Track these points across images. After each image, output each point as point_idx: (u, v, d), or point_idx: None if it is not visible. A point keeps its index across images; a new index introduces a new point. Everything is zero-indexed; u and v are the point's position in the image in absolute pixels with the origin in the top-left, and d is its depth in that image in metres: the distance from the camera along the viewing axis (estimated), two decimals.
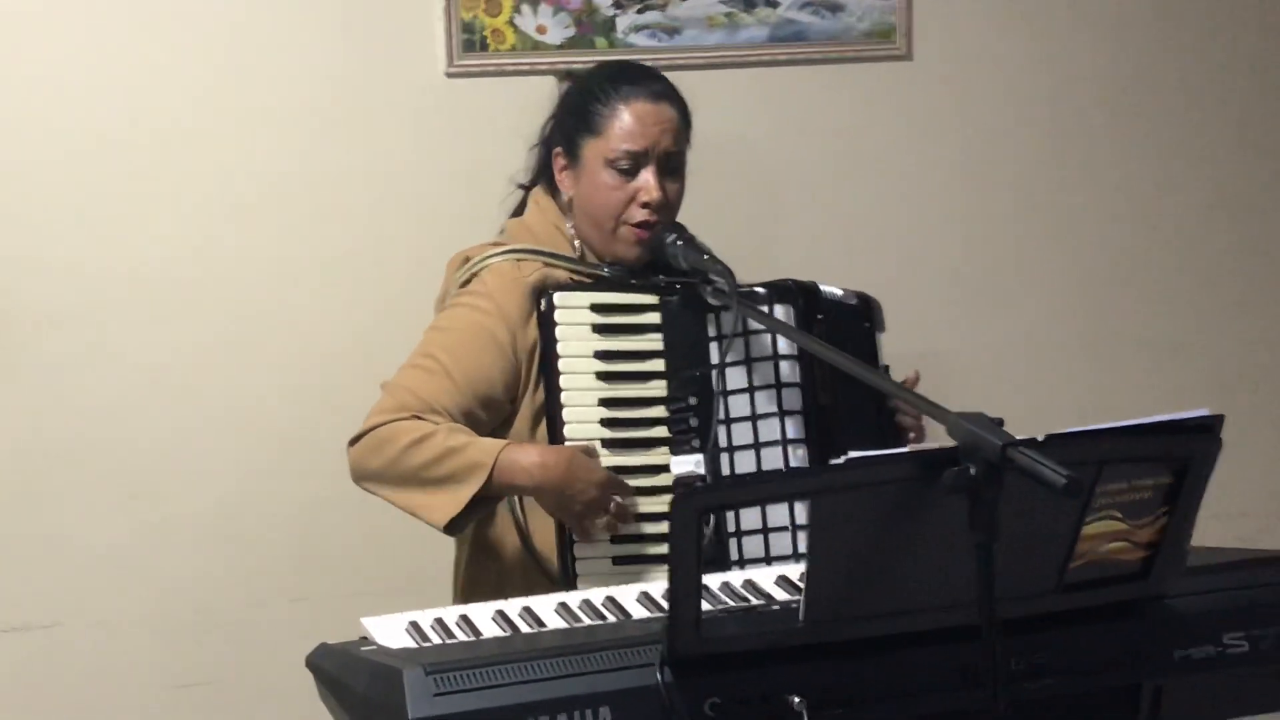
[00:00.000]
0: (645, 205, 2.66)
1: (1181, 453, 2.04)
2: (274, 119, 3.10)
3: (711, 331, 2.61)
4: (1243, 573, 2.24)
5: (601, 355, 2.61)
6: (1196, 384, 3.41)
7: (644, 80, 2.71)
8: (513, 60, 3.14)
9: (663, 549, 2.25)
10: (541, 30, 3.15)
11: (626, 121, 2.67)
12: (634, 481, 2.60)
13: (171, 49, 3.04)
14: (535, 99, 3.07)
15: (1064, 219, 3.37)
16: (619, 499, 2.57)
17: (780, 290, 2.64)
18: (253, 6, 3.07)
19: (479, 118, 3.15)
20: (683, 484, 2.57)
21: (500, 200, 2.87)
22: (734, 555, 2.58)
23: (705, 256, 2.60)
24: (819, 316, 2.64)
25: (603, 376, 2.61)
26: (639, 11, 3.17)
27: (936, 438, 1.98)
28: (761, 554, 2.57)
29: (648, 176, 2.67)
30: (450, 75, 3.12)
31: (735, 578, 2.25)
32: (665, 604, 1.97)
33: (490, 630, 2.12)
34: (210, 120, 3.08)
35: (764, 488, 2.24)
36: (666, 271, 2.67)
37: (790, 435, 2.61)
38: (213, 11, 3.06)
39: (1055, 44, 3.34)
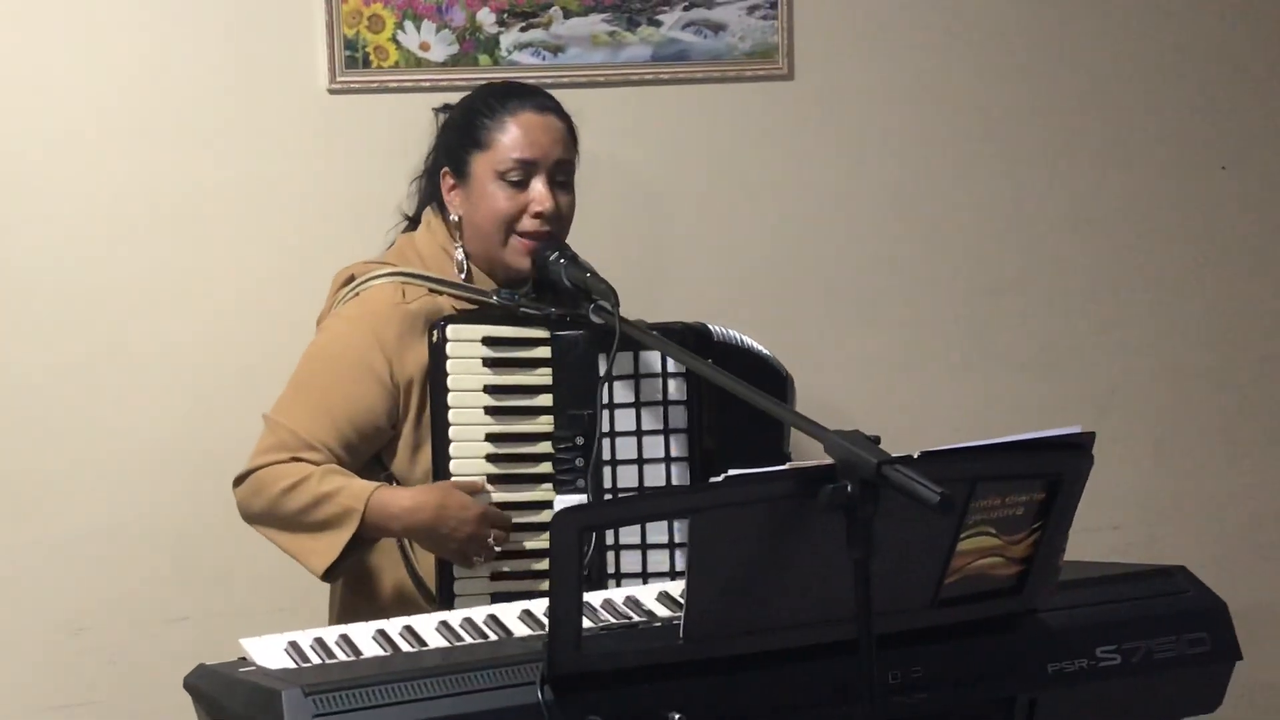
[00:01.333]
0: (538, 215, 2.66)
1: (1054, 469, 2.08)
2: (154, 131, 3.06)
3: (602, 370, 2.60)
4: (1114, 587, 2.29)
5: (491, 390, 2.61)
6: (1068, 401, 3.46)
7: (529, 95, 2.73)
8: (395, 77, 3.13)
9: (544, 584, 2.27)
10: (425, 47, 3.14)
11: (515, 133, 2.67)
12: (518, 518, 2.60)
13: (50, 59, 3.00)
14: (417, 116, 3.08)
15: (940, 237, 3.41)
16: (499, 532, 2.57)
17: (668, 332, 2.63)
18: (136, 18, 3.03)
19: (361, 134, 3.13)
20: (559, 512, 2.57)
21: (385, 226, 2.87)
22: (611, 570, 2.59)
23: (588, 275, 2.60)
24: (708, 360, 2.64)
25: (491, 411, 2.61)
26: (522, 30, 3.18)
27: (815, 456, 1.99)
28: (639, 569, 2.59)
29: (539, 186, 2.67)
30: (332, 91, 3.11)
31: (617, 595, 2.26)
32: (546, 621, 1.97)
33: (371, 650, 2.11)
34: (90, 132, 3.04)
35: (645, 506, 2.26)
36: (552, 291, 2.67)
37: (675, 481, 2.62)
38: (94, 22, 3.02)
39: (934, 65, 3.38)
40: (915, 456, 1.92)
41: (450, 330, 2.60)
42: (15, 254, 3.02)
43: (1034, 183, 3.45)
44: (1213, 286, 3.55)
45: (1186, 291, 3.54)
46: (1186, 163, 3.52)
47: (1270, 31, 3.52)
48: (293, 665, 2.06)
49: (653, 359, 2.62)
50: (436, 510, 2.54)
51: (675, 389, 2.62)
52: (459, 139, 2.72)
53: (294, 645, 2.11)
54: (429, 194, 2.80)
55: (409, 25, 3.13)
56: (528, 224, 2.67)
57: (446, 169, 2.73)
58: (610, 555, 2.59)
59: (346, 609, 2.72)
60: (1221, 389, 3.58)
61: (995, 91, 3.41)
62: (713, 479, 1.93)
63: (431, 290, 2.69)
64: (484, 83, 2.85)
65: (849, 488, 1.86)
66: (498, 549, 2.57)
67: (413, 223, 2.84)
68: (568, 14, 3.19)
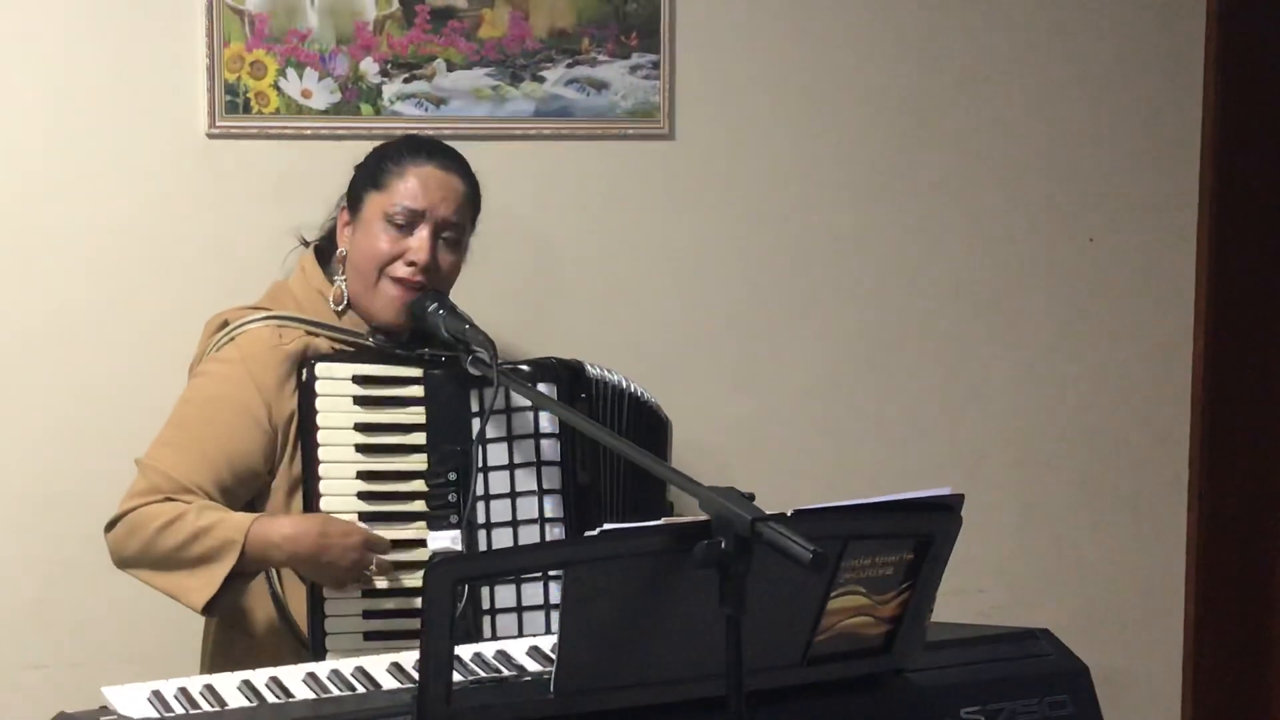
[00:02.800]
0: (411, 264, 2.67)
1: (923, 530, 2.10)
2: (32, 169, 3.02)
3: (474, 406, 2.61)
4: (980, 648, 2.31)
5: (361, 427, 2.60)
6: (937, 465, 3.51)
7: (439, 153, 2.76)
8: (276, 123, 3.12)
9: (416, 623, 2.25)
10: (306, 94, 3.13)
11: (411, 182, 2.70)
12: (390, 557, 2.58)
13: None
14: (297, 162, 3.08)
15: (812, 300, 3.45)
16: (380, 558, 2.56)
17: (543, 368, 2.66)
18: (15, 54, 3.00)
19: (239, 179, 3.11)
20: (432, 562, 2.55)
21: (262, 271, 2.86)
22: (487, 634, 2.57)
23: (467, 326, 2.61)
24: (582, 395, 2.66)
25: (362, 449, 2.60)
26: (405, 81, 3.18)
27: (690, 512, 2.00)
28: (515, 632, 2.57)
29: (422, 235, 2.68)
30: (211, 136, 3.09)
31: (487, 648, 2.25)
32: (416, 674, 1.96)
33: (236, 700, 2.08)
34: None
35: (518, 558, 2.25)
36: (429, 342, 2.67)
37: (549, 514, 2.62)
38: None
39: (813, 125, 3.42)
40: (789, 514, 1.93)
41: (320, 368, 2.60)
42: None
43: (905, 249, 3.50)
44: (1077, 356, 3.62)
45: (1052, 359, 3.61)
46: (1055, 234, 3.59)
47: (1137, 105, 3.61)
48: (156, 715, 2.03)
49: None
50: (319, 538, 2.53)
51: (547, 422, 2.63)
52: (363, 178, 2.75)
53: (157, 695, 2.08)
54: (326, 232, 2.81)
55: (291, 72, 3.12)
56: (400, 270, 2.68)
57: (345, 205, 2.75)
58: (486, 620, 2.58)
59: (219, 651, 2.69)
60: (1085, 456, 3.64)
61: (869, 160, 3.46)
62: (587, 533, 1.93)
63: (308, 332, 2.68)
64: (409, 133, 2.88)
65: (723, 544, 1.88)
66: (378, 576, 2.55)
67: (306, 246, 2.84)
68: (451, 67, 3.20)
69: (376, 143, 2.84)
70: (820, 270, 3.45)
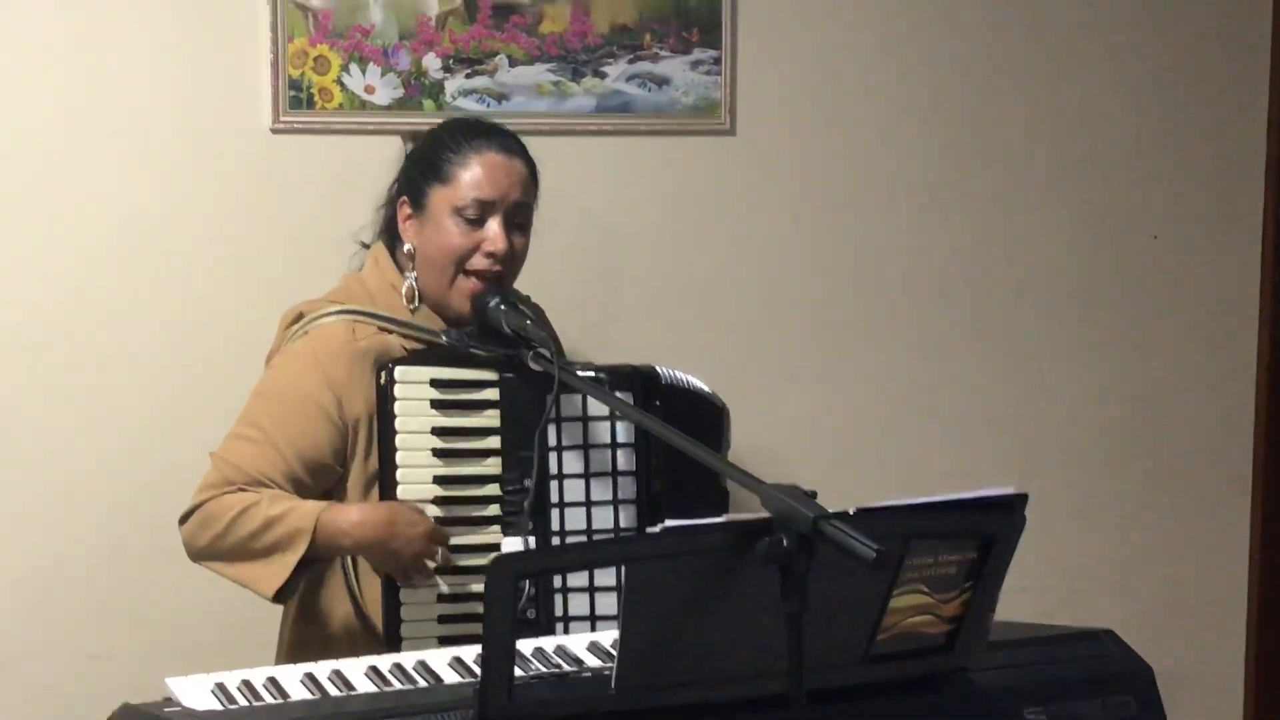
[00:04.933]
0: (490, 254, 2.66)
1: (986, 529, 2.09)
2: (98, 165, 3.05)
3: (550, 413, 2.58)
4: (1043, 648, 2.30)
5: (439, 431, 2.60)
6: (994, 461, 3.49)
7: (496, 134, 2.72)
8: (339, 119, 3.13)
9: None
10: (369, 90, 3.14)
11: (477, 171, 2.67)
12: (464, 561, 2.59)
13: None
14: (360, 157, 3.09)
15: (875, 294, 3.44)
16: (443, 550, 2.56)
17: (618, 375, 2.63)
18: (81, 51, 3.03)
19: (303, 174, 3.13)
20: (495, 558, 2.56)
21: (326, 265, 2.86)
22: (559, 613, 2.58)
23: (528, 322, 2.60)
24: (656, 403, 2.64)
25: (439, 453, 2.60)
26: (467, 76, 3.19)
27: (752, 508, 2.00)
28: (586, 612, 2.58)
29: (494, 226, 2.66)
30: (275, 131, 3.10)
31: (548, 643, 2.25)
32: (477, 669, 1.96)
33: (298, 693, 2.09)
34: (33, 165, 3.02)
35: (580, 555, 2.25)
36: (493, 334, 2.66)
37: (623, 524, 2.61)
38: (40, 54, 3.01)
39: (875, 124, 3.41)
40: (851, 512, 1.92)
41: (398, 372, 2.59)
42: None
43: (971, 243, 3.48)
44: (1140, 353, 3.60)
45: (1114, 357, 3.58)
46: (1117, 232, 3.57)
47: (1201, 102, 3.58)
48: (219, 707, 2.04)
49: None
50: (386, 525, 2.53)
51: (623, 432, 2.62)
52: (421, 170, 2.71)
53: (220, 687, 2.09)
54: (387, 221, 2.79)
55: (354, 68, 3.13)
56: (479, 262, 2.67)
57: (405, 198, 2.72)
58: (558, 598, 2.59)
59: (296, 646, 2.70)
60: (1148, 454, 3.62)
61: (933, 152, 3.45)
62: (649, 529, 1.93)
63: (381, 329, 2.68)
64: (453, 117, 2.86)
65: (785, 542, 1.87)
66: (433, 566, 2.56)
67: (367, 248, 2.84)
68: (513, 62, 3.21)
69: None
70: (881, 267, 3.44)
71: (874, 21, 3.40)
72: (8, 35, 3.00)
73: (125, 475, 3.07)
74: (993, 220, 3.49)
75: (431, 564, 2.56)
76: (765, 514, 1.91)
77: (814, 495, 1.93)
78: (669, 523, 1.92)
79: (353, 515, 2.55)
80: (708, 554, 1.93)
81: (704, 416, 2.72)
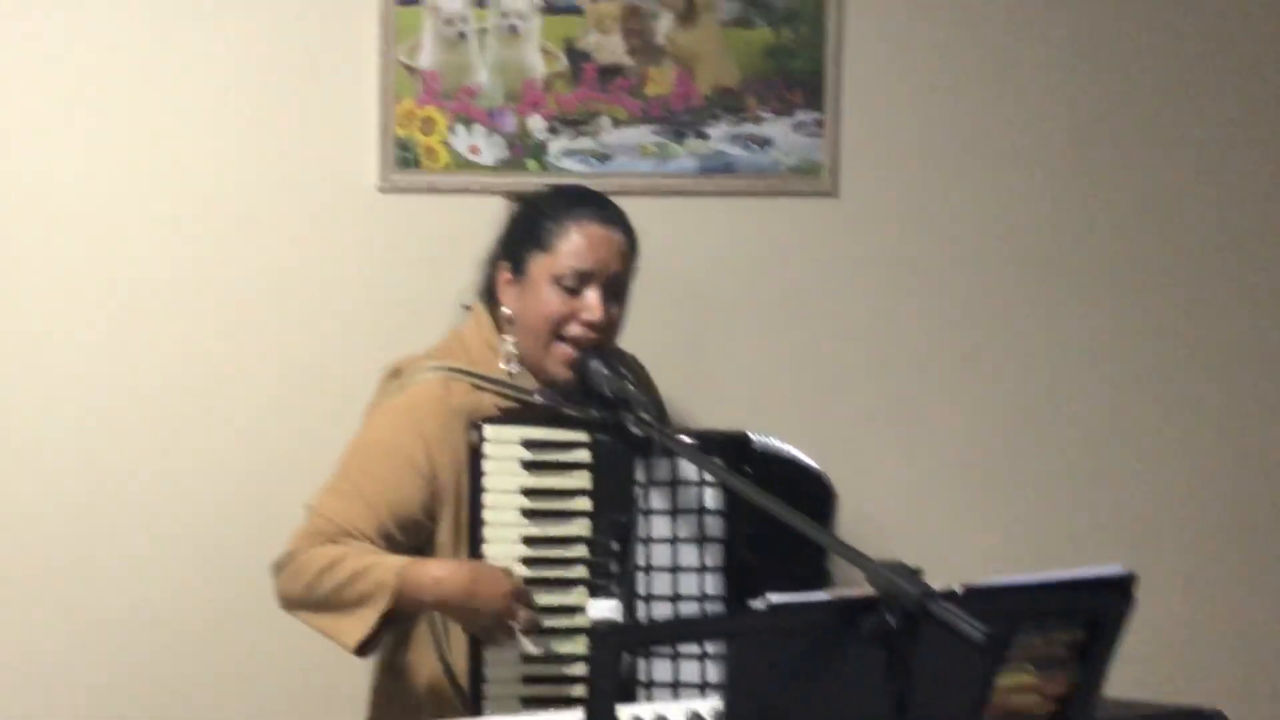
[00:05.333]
0: (586, 324, 2.68)
1: (1095, 609, 2.06)
2: (205, 220, 3.09)
3: (640, 476, 2.60)
4: None
5: (528, 492, 2.60)
6: (1105, 532, 3.44)
7: (597, 203, 2.75)
8: (445, 179, 3.16)
9: (574, 689, 2.25)
10: (474, 150, 3.17)
11: (576, 241, 2.69)
12: (549, 622, 2.58)
13: (108, 148, 3.04)
14: (465, 217, 3.11)
15: (980, 362, 3.41)
16: (526, 612, 2.56)
17: (706, 440, 2.63)
18: (190, 109, 3.07)
19: (408, 233, 3.15)
20: (598, 628, 2.56)
21: (429, 323, 2.88)
22: (642, 677, 2.57)
23: (630, 386, 2.61)
24: (746, 469, 2.63)
25: (527, 513, 2.60)
26: (571, 137, 3.21)
27: (855, 583, 1.98)
28: (670, 679, 2.57)
29: (592, 296, 2.69)
30: (382, 190, 3.13)
31: (646, 712, 2.24)
32: None
33: None
34: (140, 219, 3.07)
35: (684, 629, 2.24)
36: (593, 397, 2.67)
37: (709, 591, 2.60)
38: (146, 111, 3.05)
39: (980, 183, 3.39)
40: (958, 591, 1.90)
41: (489, 430, 2.61)
42: (61, 347, 3.03)
43: (1074, 312, 3.44)
44: (1251, 424, 3.53)
45: (1224, 429, 3.52)
46: (1232, 298, 3.51)
47: None
48: None
49: (690, 466, 2.62)
50: (468, 583, 2.54)
51: (712, 498, 2.61)
52: (521, 236, 2.75)
53: None
54: (487, 282, 2.81)
55: (460, 129, 3.16)
56: (575, 330, 2.69)
57: (504, 262, 2.75)
58: (641, 662, 2.58)
59: (382, 698, 2.73)
60: (1260, 527, 3.55)
61: (1041, 217, 3.42)
62: (752, 603, 1.92)
63: (475, 386, 2.69)
64: (555, 183, 2.91)
65: (891, 620, 1.85)
66: (523, 628, 2.56)
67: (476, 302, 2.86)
68: (616, 123, 3.22)
69: None
70: (985, 332, 3.41)
71: (979, 83, 3.38)
72: (119, 94, 3.05)
73: (228, 528, 3.10)
74: (1100, 285, 3.45)
75: (515, 625, 2.56)
76: (871, 591, 1.90)
77: (919, 572, 1.92)
78: (773, 598, 1.91)
79: (435, 571, 2.56)
80: (812, 631, 1.91)
81: (809, 495, 2.71)
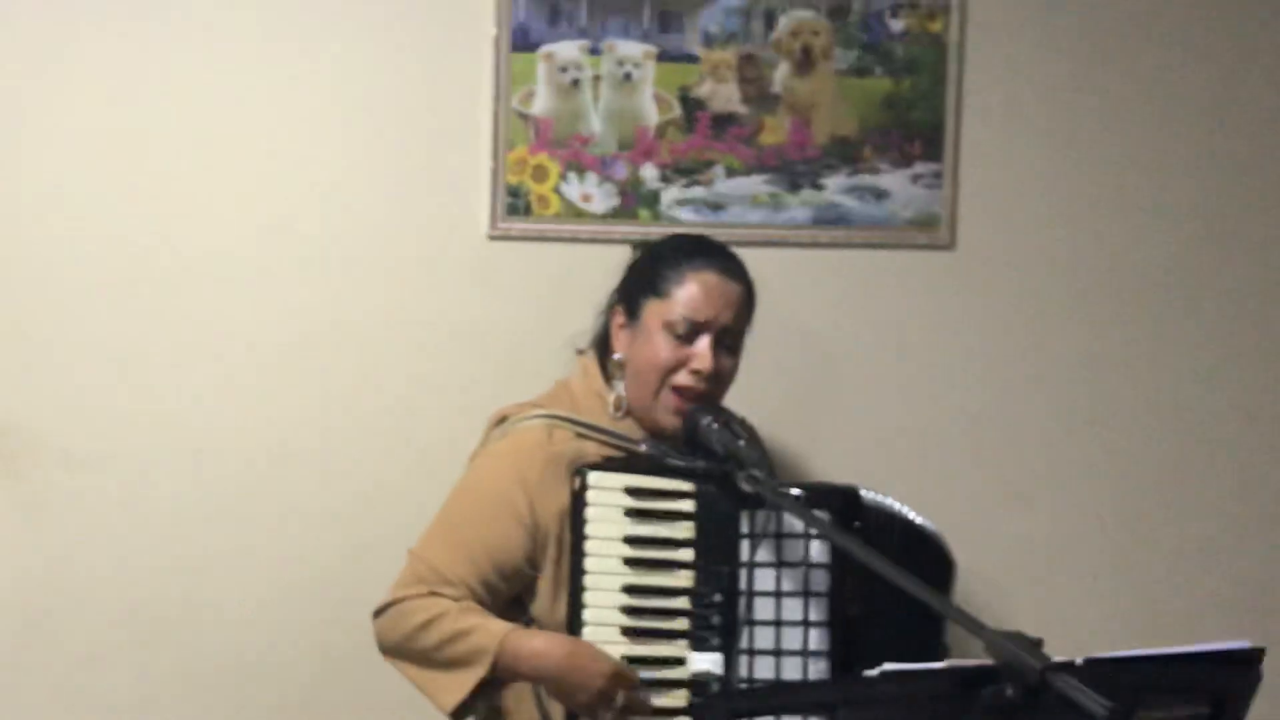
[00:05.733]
0: (696, 372, 2.66)
1: (1221, 684, 2.00)
2: (315, 269, 3.10)
3: (745, 527, 2.57)
4: None
5: (630, 540, 2.58)
6: (1232, 596, 3.35)
7: (715, 254, 2.73)
8: (555, 226, 3.14)
9: None
10: (586, 199, 3.15)
11: (692, 290, 2.68)
12: (649, 674, 2.55)
13: (228, 202, 3.07)
14: (575, 265, 3.10)
15: (1100, 415, 3.34)
16: (627, 691, 2.52)
17: (816, 493, 2.59)
18: (301, 155, 3.09)
19: (519, 280, 3.15)
20: (699, 682, 2.52)
21: (538, 370, 2.87)
22: None
23: (741, 442, 2.57)
24: (856, 524, 2.60)
25: (629, 562, 2.58)
26: (684, 186, 3.18)
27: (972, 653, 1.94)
28: None
29: (703, 345, 2.67)
30: (492, 237, 3.13)
31: None
32: None
33: None
34: (250, 266, 3.08)
35: (796, 695, 2.21)
36: (701, 451, 2.64)
37: (814, 646, 2.55)
38: (271, 161, 3.08)
39: (1100, 237, 3.33)
40: (1080, 663, 1.86)
41: (592, 478, 2.59)
42: (172, 388, 3.06)
43: (1200, 364, 3.36)
44: None
45: None
46: None
47: None
48: None
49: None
50: (565, 659, 2.52)
51: (818, 551, 2.57)
52: (638, 281, 2.74)
53: None
54: (602, 330, 2.81)
55: (572, 176, 3.14)
56: (684, 378, 2.67)
57: (620, 306, 2.74)
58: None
59: None
60: None
61: (1162, 271, 3.35)
62: (866, 672, 1.88)
63: (580, 435, 2.68)
64: (677, 231, 2.90)
65: (1011, 693, 1.81)
66: (626, 712, 2.52)
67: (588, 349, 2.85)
68: (730, 173, 3.19)
69: None
70: (1106, 385, 3.34)
71: (1098, 136, 3.32)
72: (240, 143, 3.07)
73: (337, 573, 3.09)
74: (1230, 335, 3.36)
75: (616, 707, 2.52)
76: (989, 661, 1.85)
77: (1040, 643, 1.87)
78: (887, 666, 1.87)
79: (535, 644, 2.55)
80: (928, 701, 1.87)
81: (926, 559, 2.66)
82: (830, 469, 2.99)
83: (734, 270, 2.72)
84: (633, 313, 2.72)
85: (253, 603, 3.09)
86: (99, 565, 3.05)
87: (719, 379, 2.68)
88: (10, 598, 3.03)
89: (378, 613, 2.63)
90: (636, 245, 2.85)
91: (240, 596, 3.09)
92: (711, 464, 2.60)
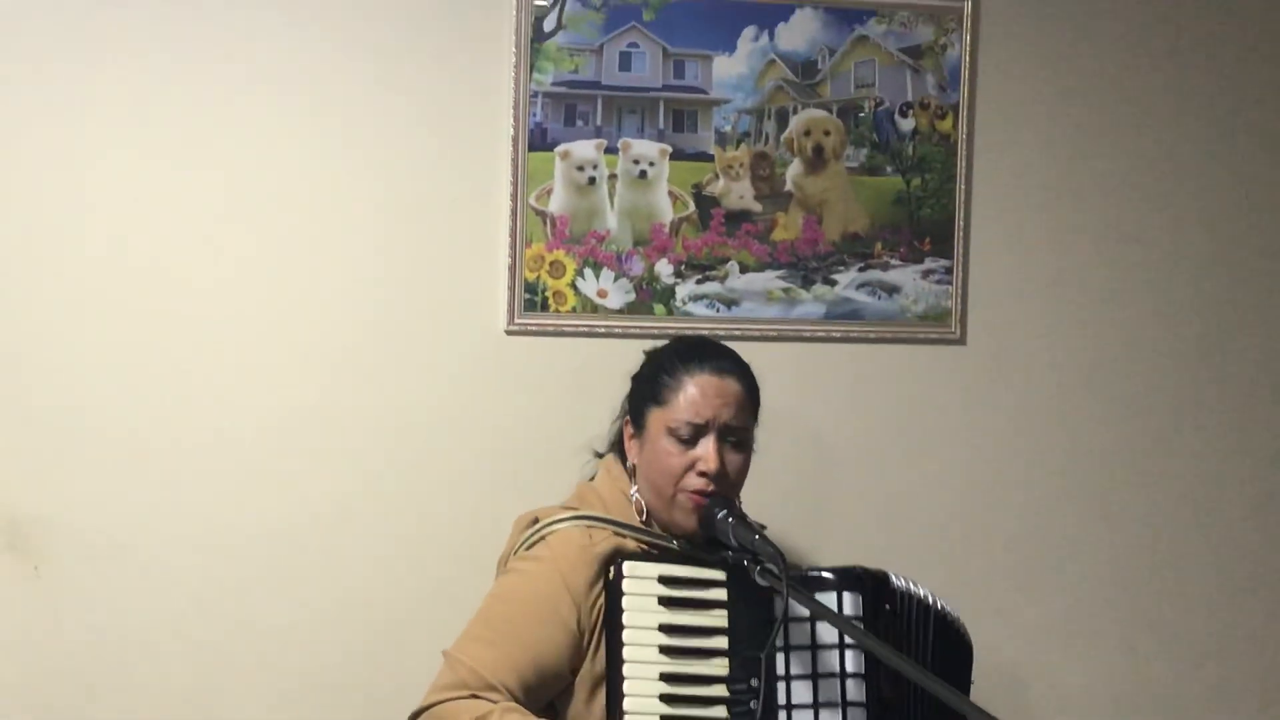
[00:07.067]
0: (703, 474, 2.68)
1: None
2: (333, 364, 3.11)
3: (778, 612, 2.59)
4: None
5: (666, 629, 2.60)
6: (1250, 682, 3.36)
7: (712, 357, 2.76)
8: (571, 321, 3.18)
9: None
10: (602, 294, 3.19)
11: (690, 394, 2.71)
12: None
13: (253, 293, 3.09)
14: (591, 360, 3.12)
15: (1109, 508, 3.36)
16: None
17: (848, 576, 2.63)
18: (324, 249, 3.11)
19: (535, 375, 3.17)
20: None
21: (558, 464, 2.89)
22: None
23: (756, 537, 2.60)
24: (886, 607, 2.62)
25: (666, 650, 2.60)
26: (698, 282, 3.22)
27: None
28: None
29: (707, 446, 2.69)
30: (509, 332, 3.15)
31: None
32: None
33: None
34: (269, 360, 3.10)
35: None
36: (720, 547, 2.67)
37: None
38: (280, 250, 3.10)
39: (1110, 333, 3.36)
40: None
41: (627, 567, 2.62)
42: (190, 483, 3.08)
43: (1208, 462, 3.39)
44: None
45: None
46: None
47: None
48: None
49: (827, 599, 2.61)
50: None
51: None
52: (641, 392, 2.77)
53: None
54: (616, 435, 2.84)
55: (588, 272, 3.18)
56: (693, 481, 2.70)
57: (627, 419, 2.77)
58: None
59: None
60: None
61: (1168, 370, 3.38)
62: None
63: (616, 533, 2.70)
64: (676, 336, 2.91)
65: None
66: None
67: (600, 458, 2.88)
68: (744, 269, 3.23)
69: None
70: (1116, 479, 3.37)
71: (1107, 232, 3.37)
72: (257, 236, 3.09)
73: (351, 667, 3.09)
74: (1247, 428, 3.39)
75: None
76: None
77: None
78: None
79: None
80: None
81: (950, 644, 2.68)
82: (841, 559, 2.99)
83: (729, 369, 2.75)
84: (639, 423, 2.76)
85: (274, 695, 3.08)
86: (123, 653, 3.05)
87: (728, 476, 2.71)
88: (37, 686, 3.02)
89: (414, 716, 2.60)
90: (644, 354, 2.87)
91: (260, 688, 3.08)
92: (737, 555, 2.63)
